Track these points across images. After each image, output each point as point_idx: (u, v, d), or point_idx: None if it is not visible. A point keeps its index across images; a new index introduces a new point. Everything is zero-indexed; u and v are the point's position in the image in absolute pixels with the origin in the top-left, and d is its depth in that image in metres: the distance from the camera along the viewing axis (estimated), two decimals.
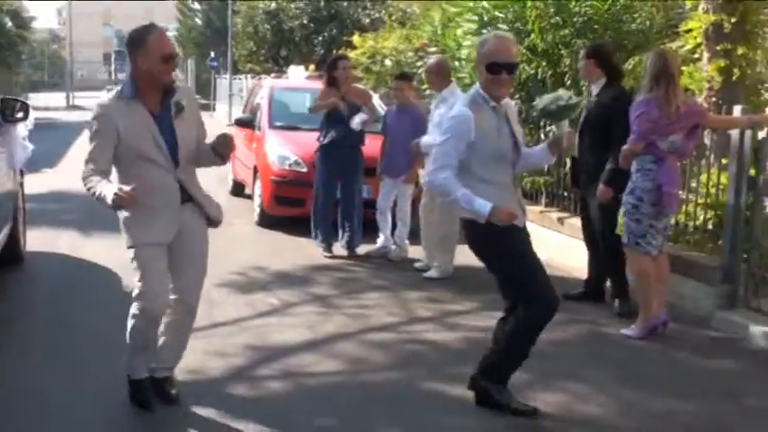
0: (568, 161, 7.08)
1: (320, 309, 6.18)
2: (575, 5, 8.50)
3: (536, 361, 4.42)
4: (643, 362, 5.21)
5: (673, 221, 6.49)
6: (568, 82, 8.24)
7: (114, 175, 4.01)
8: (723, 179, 6.20)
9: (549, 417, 4.26)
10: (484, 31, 9.09)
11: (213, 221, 4.18)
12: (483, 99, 4.04)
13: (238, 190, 11.26)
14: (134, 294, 4.02)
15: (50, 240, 8.05)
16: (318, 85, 9.28)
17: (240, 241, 8.54)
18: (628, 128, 5.44)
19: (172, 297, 4.10)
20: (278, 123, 9.94)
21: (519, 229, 4.10)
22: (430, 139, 7.08)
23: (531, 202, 8.40)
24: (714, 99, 7.04)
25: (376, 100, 9.69)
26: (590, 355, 5.33)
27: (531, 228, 4.17)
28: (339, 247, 8.02)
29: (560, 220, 7.88)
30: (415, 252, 7.85)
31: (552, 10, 8.49)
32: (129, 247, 4.01)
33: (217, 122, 24.82)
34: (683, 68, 7.26)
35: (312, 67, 17.61)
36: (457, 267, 7.15)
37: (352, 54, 14.84)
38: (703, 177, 6.44)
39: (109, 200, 3.72)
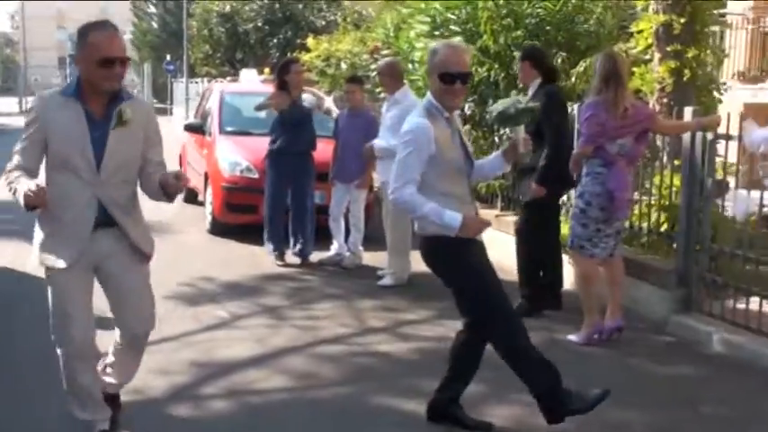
0: None
1: (270, 321, 6.01)
2: (527, 7, 8.44)
3: (490, 372, 4.30)
4: (599, 370, 5.12)
5: (627, 224, 6.45)
6: (521, 84, 8.16)
7: (42, 177, 3.58)
8: (676, 181, 6.15)
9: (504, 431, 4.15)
10: (436, 32, 9.02)
11: (142, 254, 3.69)
12: (437, 109, 3.89)
13: (191, 197, 11.01)
14: (51, 330, 3.65)
15: None
16: (271, 88, 9.10)
17: (191, 251, 8.35)
18: (558, 126, 5.42)
19: (126, 333, 3.71)
20: (229, 128, 9.75)
21: (475, 242, 3.96)
22: (383, 142, 6.97)
23: (486, 206, 8.32)
24: (666, 100, 7.01)
25: (330, 103, 9.53)
26: None
27: (487, 231, 4.03)
28: (292, 255, 7.85)
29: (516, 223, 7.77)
30: (370, 259, 7.71)
31: (504, 11, 8.42)
32: (44, 268, 3.61)
33: (174, 127, 24.44)
34: (635, 70, 7.23)
35: (267, 70, 17.39)
36: (413, 274, 7.02)
37: (306, 57, 14.72)
38: (656, 179, 6.40)
39: (21, 199, 3.28)
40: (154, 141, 3.68)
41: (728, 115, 5.67)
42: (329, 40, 15.03)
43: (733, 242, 5.71)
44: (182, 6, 29.77)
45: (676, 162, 6.21)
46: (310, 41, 15.24)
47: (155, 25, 41.77)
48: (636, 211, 6.55)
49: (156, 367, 4.83)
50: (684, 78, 6.92)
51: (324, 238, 7.94)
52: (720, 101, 8.03)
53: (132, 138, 3.57)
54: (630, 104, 5.33)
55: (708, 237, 5.83)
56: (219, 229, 9.07)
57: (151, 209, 4.18)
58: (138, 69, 42.47)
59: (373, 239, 7.97)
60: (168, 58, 34.62)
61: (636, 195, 6.62)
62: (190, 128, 10.71)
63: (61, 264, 3.53)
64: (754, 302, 5.49)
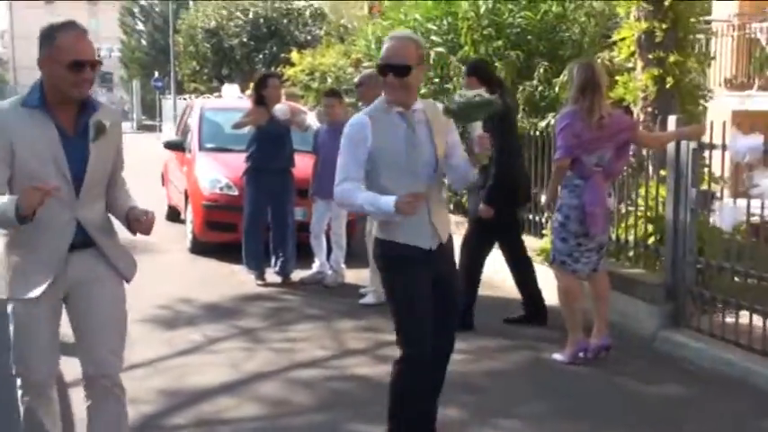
0: None
1: (246, 344, 5.81)
2: (507, 17, 8.31)
3: (471, 395, 4.13)
4: (584, 391, 4.93)
5: (614, 237, 6.28)
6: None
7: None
8: (662, 192, 5.99)
9: None
10: None
11: (121, 276, 3.38)
12: (388, 104, 3.70)
13: (174, 215, 10.82)
14: (11, 363, 3.34)
15: None
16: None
17: (170, 270, 8.16)
18: (502, 145, 5.27)
19: (88, 375, 3.32)
20: (208, 145, 9.58)
21: (422, 262, 3.64)
22: None
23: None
24: (650, 109, 6.85)
25: (312, 118, 9.35)
26: (528, 385, 5.04)
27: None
28: (273, 274, 7.66)
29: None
30: (352, 276, 7.53)
31: (485, 22, 8.28)
32: (6, 299, 3.27)
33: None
34: (618, 78, 7.08)
35: (252, 85, 17.25)
36: None
37: (290, 71, 14.56)
38: (642, 190, 6.23)
39: (11, 209, 2.87)
40: (120, 149, 3.39)
41: (711, 124, 5.51)
42: (313, 53, 14.88)
43: (721, 254, 5.55)
44: (169, 23, 29.68)
45: (662, 172, 6.05)
46: (294, 55, 15.07)
47: (143, 42, 41.70)
48: (622, 224, 6.39)
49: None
50: (668, 86, 6.76)
51: (305, 256, 7.75)
52: (705, 107, 7.89)
53: (108, 150, 3.27)
54: (607, 113, 5.12)
55: (694, 249, 5.66)
56: (200, 247, 8.88)
57: None
58: (127, 86, 42.35)
59: (356, 256, 7.78)
60: (156, 74, 34.53)
61: (622, 207, 6.46)
62: (169, 146, 10.50)
63: (31, 294, 3.17)
64: (744, 316, 5.33)
